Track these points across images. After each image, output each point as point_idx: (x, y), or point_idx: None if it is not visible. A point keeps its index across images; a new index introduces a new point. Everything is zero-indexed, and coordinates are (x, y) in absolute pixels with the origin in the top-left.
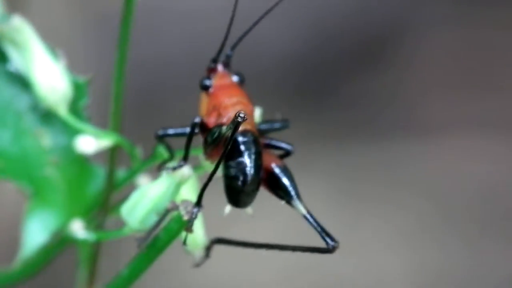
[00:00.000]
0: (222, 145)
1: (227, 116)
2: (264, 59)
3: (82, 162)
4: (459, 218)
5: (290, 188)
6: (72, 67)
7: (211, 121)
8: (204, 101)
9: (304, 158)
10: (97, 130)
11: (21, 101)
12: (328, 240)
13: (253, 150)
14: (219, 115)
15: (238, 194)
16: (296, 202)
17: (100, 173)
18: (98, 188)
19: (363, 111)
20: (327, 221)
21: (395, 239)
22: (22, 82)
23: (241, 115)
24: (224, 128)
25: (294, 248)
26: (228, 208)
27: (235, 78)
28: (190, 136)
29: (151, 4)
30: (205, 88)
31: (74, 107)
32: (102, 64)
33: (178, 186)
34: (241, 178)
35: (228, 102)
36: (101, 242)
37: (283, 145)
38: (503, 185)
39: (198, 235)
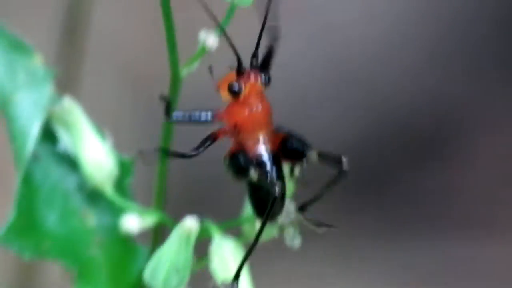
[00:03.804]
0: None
1: (251, 145)
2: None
3: (126, 241)
4: None
5: (302, 147)
6: (118, 145)
7: (232, 136)
8: (226, 98)
9: (349, 256)
10: (142, 209)
11: (69, 181)
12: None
13: (275, 166)
14: (241, 140)
15: (265, 205)
16: (311, 155)
17: (144, 252)
18: (141, 267)
19: (416, 209)
20: None
21: None
22: (70, 162)
23: (277, 189)
24: (253, 175)
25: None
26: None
27: (263, 80)
28: None
29: (200, 89)
30: (234, 93)
31: (120, 186)
32: (148, 142)
33: (188, 240)
34: (266, 188)
35: (253, 134)
36: None
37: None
38: None
39: None
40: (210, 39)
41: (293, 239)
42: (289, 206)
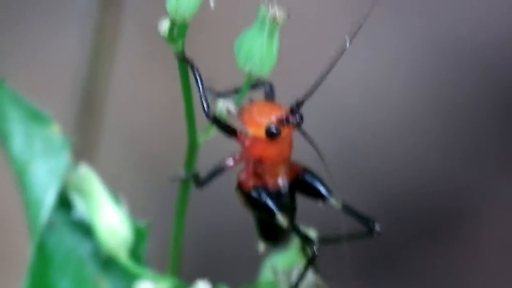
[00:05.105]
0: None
1: (271, 179)
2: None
3: None
4: None
5: (322, 189)
6: (133, 212)
7: (251, 165)
8: (255, 132)
9: None
10: (156, 275)
11: (83, 248)
12: (371, 225)
13: (287, 199)
14: (260, 173)
15: (270, 229)
16: (331, 200)
17: None
18: None
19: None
20: None
21: None
22: (84, 229)
23: (315, 249)
24: (281, 221)
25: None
26: (261, 246)
27: (296, 120)
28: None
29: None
30: (271, 136)
31: (134, 252)
32: (163, 207)
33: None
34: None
35: (276, 169)
36: None
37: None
38: None
39: None
40: (228, 107)
41: None
42: (309, 276)
